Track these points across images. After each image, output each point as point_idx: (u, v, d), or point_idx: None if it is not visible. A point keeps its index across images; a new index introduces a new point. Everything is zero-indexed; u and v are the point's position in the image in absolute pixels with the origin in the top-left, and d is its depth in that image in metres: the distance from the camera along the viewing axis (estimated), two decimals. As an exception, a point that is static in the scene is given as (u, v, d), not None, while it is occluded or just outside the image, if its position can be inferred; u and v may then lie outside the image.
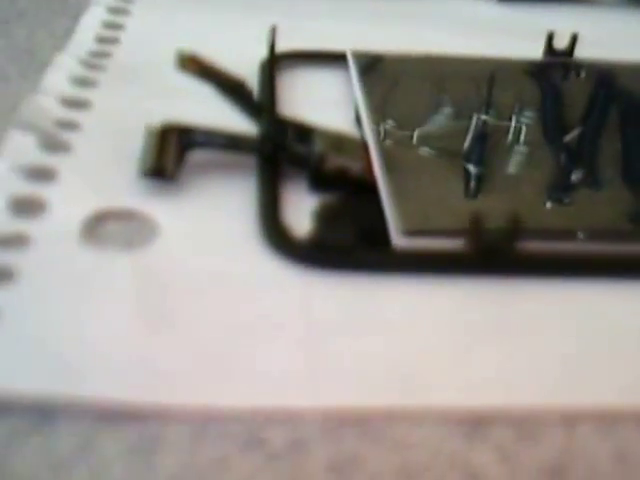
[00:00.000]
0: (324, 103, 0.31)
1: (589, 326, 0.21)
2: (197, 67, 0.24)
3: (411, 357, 0.20)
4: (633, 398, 0.19)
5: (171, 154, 0.24)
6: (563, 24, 0.37)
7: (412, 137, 0.27)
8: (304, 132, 0.26)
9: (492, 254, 0.22)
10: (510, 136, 0.28)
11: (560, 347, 0.20)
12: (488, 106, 0.30)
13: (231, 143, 0.25)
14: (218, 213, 0.24)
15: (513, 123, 0.29)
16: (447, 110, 0.29)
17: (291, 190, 0.25)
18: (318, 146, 0.25)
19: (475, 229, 0.21)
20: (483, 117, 0.29)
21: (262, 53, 0.33)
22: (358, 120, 0.28)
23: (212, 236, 0.23)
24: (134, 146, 0.26)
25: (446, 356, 0.20)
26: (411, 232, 0.22)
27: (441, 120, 0.29)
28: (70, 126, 0.27)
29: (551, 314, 0.21)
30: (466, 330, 0.20)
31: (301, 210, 0.24)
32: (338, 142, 0.26)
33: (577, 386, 0.19)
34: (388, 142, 0.26)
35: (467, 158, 0.26)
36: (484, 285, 0.22)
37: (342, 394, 0.19)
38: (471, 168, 0.26)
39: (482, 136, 0.28)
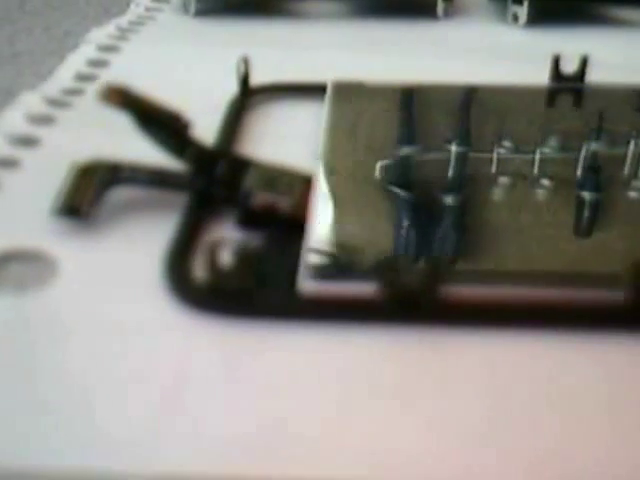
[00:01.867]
0: (294, 137, 0.29)
1: (508, 388, 0.18)
2: (119, 98, 0.23)
3: (284, 421, 0.17)
4: None
5: (89, 192, 0.23)
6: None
7: (373, 170, 0.25)
8: (239, 166, 0.24)
9: (410, 302, 0.19)
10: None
11: (467, 415, 0.17)
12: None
13: (157, 179, 0.23)
14: (129, 254, 0.22)
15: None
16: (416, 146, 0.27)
17: (218, 229, 0.23)
18: (248, 181, 0.23)
19: (388, 273, 0.19)
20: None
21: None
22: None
23: (114, 279, 0.21)
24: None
25: (326, 420, 0.17)
26: (318, 272, 0.19)
27: (412, 151, 0.26)
28: (10, 164, 0.26)
29: (467, 373, 0.18)
30: (361, 390, 0.18)
31: (224, 250, 0.22)
32: (273, 177, 0.23)
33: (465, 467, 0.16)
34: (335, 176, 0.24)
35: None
36: (399, 336, 0.19)
37: (180, 460, 0.16)
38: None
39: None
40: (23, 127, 0.28)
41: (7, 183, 0.25)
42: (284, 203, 0.22)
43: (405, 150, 0.26)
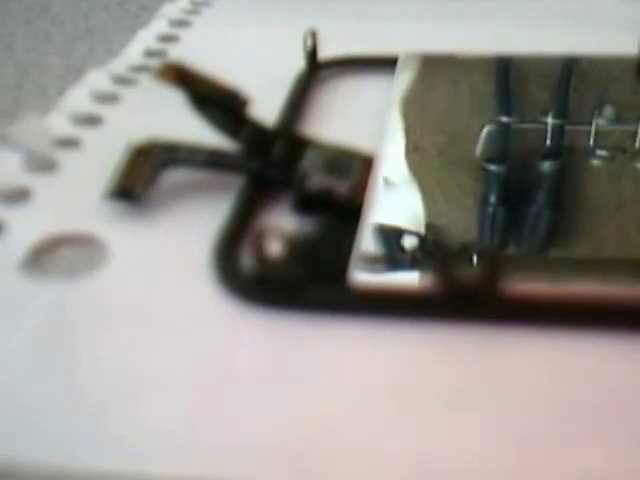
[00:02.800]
0: (363, 114, 0.27)
1: (575, 394, 0.16)
2: (173, 76, 0.22)
3: (330, 425, 0.16)
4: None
5: (144, 174, 0.22)
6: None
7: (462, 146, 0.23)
8: (297, 146, 0.23)
9: (468, 298, 0.17)
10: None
11: (529, 422, 0.16)
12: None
13: (214, 160, 0.23)
14: (180, 239, 0.21)
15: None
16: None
17: (273, 215, 0.22)
18: (305, 163, 0.22)
19: (442, 267, 0.17)
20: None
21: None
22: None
23: (163, 266, 0.20)
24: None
25: (375, 424, 0.16)
26: (372, 263, 0.18)
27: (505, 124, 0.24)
28: (71, 144, 0.26)
29: (531, 376, 0.17)
30: (412, 392, 0.16)
31: (273, 238, 0.21)
32: (333, 158, 0.22)
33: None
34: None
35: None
36: (457, 334, 0.17)
37: (217, 463, 0.15)
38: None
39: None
40: (87, 105, 0.28)
41: (66, 163, 0.25)
42: (342, 187, 0.21)
43: (498, 123, 0.24)
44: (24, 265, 0.20)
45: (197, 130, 0.23)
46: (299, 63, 0.30)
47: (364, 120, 0.27)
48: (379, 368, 0.17)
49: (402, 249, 0.19)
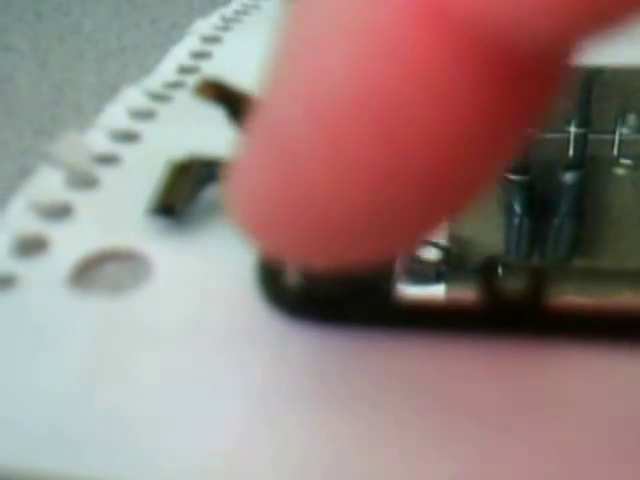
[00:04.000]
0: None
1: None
2: (212, 92, 0.22)
3: (368, 438, 0.16)
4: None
5: (184, 190, 0.23)
6: None
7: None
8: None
9: (511, 311, 0.17)
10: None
11: (576, 442, 0.16)
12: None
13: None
14: (223, 255, 0.21)
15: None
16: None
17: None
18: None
19: (488, 279, 0.17)
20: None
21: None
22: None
23: (208, 281, 0.20)
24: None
25: (419, 443, 0.16)
26: (416, 276, 0.18)
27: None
28: (110, 160, 0.26)
29: (578, 390, 0.17)
30: (458, 410, 0.16)
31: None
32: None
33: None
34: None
35: None
36: (500, 349, 0.18)
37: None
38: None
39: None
40: (124, 122, 0.28)
41: (106, 180, 0.25)
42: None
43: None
44: (70, 281, 0.21)
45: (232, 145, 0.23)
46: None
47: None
48: (426, 383, 0.17)
49: (427, 261, 0.19)
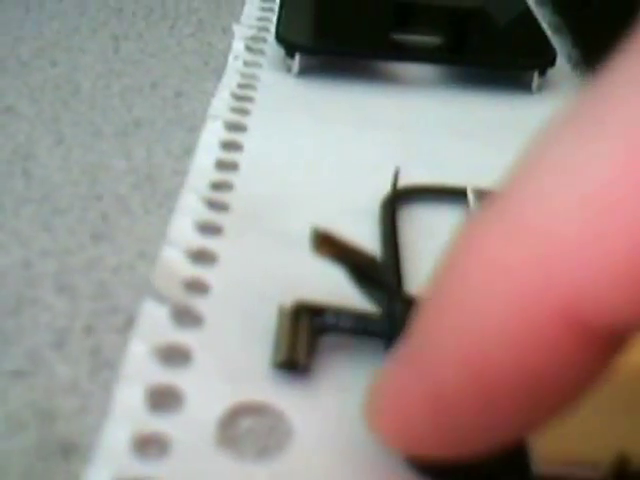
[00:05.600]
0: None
1: None
2: (332, 249, 0.24)
3: None
4: None
5: (304, 342, 0.24)
6: None
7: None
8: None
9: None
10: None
11: None
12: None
13: (360, 327, 0.25)
14: (354, 410, 0.23)
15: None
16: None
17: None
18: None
19: (620, 470, 0.20)
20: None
21: (379, 183, 0.33)
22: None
23: (348, 440, 0.22)
24: (263, 318, 0.26)
25: None
26: (552, 461, 0.21)
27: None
28: (198, 288, 0.27)
29: None
30: None
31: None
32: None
33: None
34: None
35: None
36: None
37: None
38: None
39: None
40: (194, 239, 0.29)
41: (204, 314, 0.26)
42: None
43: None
44: (216, 440, 0.22)
45: (308, 264, 0.26)
46: (367, 181, 0.33)
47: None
48: None
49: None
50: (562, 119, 0.16)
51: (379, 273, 0.25)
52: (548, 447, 0.22)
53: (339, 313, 0.25)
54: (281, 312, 0.25)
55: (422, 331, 0.17)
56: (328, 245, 0.24)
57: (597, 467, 0.21)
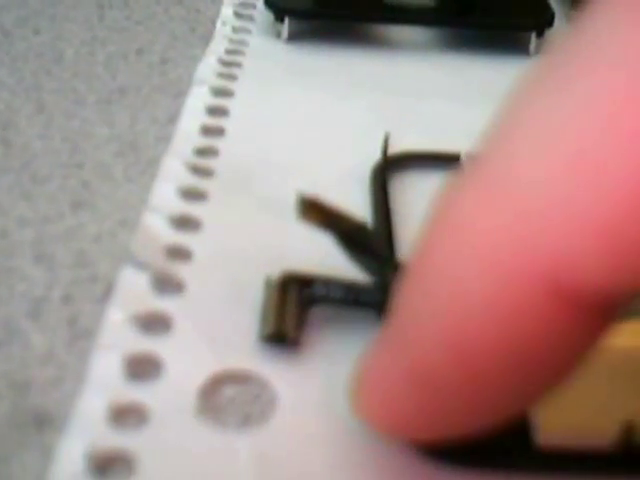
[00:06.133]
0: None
1: None
2: (319, 216, 0.23)
3: None
4: None
5: (292, 314, 0.23)
6: None
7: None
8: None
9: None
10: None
11: None
12: None
13: (351, 298, 0.24)
14: (342, 381, 0.22)
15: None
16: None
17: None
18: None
19: (627, 440, 0.20)
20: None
21: (370, 149, 0.32)
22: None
23: (336, 414, 0.22)
24: (249, 287, 0.25)
25: None
26: (556, 434, 0.20)
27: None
28: (181, 255, 0.26)
29: None
30: None
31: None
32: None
33: None
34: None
35: None
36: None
37: None
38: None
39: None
40: (178, 205, 0.28)
41: (187, 282, 0.25)
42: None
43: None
44: (197, 410, 0.21)
45: (297, 234, 0.25)
46: (358, 148, 0.32)
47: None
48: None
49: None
50: (536, 74, 0.15)
51: (370, 240, 0.24)
52: (551, 420, 0.21)
53: (329, 283, 0.24)
54: (268, 283, 0.24)
55: (402, 306, 0.16)
56: (315, 211, 0.23)
57: (603, 437, 0.20)
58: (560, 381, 0.15)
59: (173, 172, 0.30)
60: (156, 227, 0.27)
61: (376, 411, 0.17)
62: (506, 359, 0.14)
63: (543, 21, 0.40)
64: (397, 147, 0.32)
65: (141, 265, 0.25)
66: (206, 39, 0.41)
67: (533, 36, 0.40)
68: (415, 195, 0.31)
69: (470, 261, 0.14)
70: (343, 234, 0.23)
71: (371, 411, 0.18)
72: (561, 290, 0.13)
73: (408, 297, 0.16)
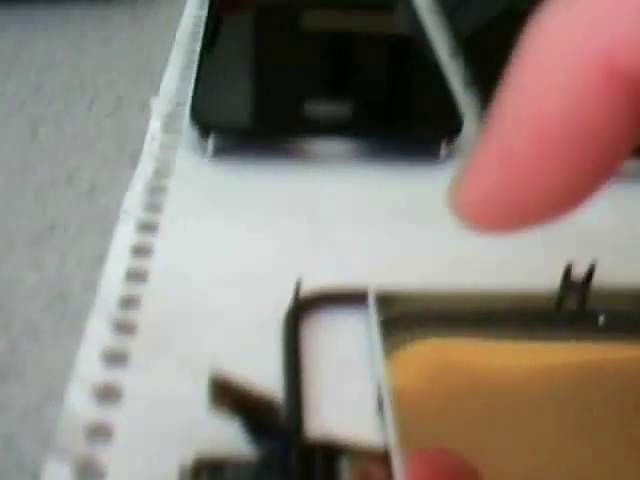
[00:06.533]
0: (347, 367, 0.31)
1: None
2: (228, 401, 0.25)
3: None
4: None
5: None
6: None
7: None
8: (332, 453, 0.26)
9: None
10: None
11: None
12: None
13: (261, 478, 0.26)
14: None
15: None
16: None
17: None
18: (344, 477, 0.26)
19: None
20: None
21: (286, 286, 0.33)
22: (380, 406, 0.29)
23: None
24: (166, 468, 0.26)
25: None
26: None
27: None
28: (102, 434, 0.28)
29: None
30: None
31: None
32: (368, 466, 0.26)
33: None
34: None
35: None
36: None
37: None
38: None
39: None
40: (101, 374, 0.30)
41: (108, 467, 0.27)
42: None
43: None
44: None
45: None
46: (277, 282, 0.34)
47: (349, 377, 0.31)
48: None
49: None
50: None
51: (276, 420, 0.26)
52: None
53: (238, 466, 0.26)
54: (182, 472, 0.26)
55: (499, 106, 0.19)
56: (225, 396, 0.25)
57: None
58: (611, 162, 0.18)
59: (97, 333, 0.32)
60: (80, 402, 0.29)
61: (469, 201, 0.20)
62: (570, 133, 0.17)
63: (452, 129, 0.42)
64: (312, 280, 0.34)
65: (63, 453, 0.27)
66: (135, 158, 0.42)
67: (444, 143, 0.42)
68: (325, 339, 0.32)
69: (549, 55, 0.18)
70: (249, 422, 0.25)
71: (464, 202, 0.20)
72: (616, 70, 0.17)
73: (505, 98, 0.19)
